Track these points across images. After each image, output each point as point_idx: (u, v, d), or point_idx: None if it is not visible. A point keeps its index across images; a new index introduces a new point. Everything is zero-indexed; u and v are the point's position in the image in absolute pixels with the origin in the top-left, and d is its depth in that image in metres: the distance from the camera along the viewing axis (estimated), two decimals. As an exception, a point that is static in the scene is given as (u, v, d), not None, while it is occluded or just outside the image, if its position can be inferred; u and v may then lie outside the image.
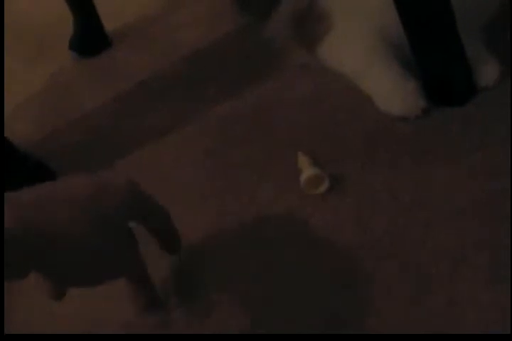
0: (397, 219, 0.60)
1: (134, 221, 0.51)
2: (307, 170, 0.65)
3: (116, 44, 0.98)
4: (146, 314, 0.57)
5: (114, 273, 0.50)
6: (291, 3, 0.85)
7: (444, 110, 0.70)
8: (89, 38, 0.98)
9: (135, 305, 0.56)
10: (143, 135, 0.79)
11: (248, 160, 0.71)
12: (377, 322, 0.52)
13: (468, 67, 0.70)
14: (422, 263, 0.55)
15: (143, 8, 1.04)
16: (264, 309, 0.56)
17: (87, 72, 0.94)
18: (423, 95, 0.70)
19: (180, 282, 0.60)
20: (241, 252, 0.61)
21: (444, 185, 0.62)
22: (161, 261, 0.60)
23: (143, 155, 0.76)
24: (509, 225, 0.56)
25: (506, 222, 0.56)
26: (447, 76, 0.70)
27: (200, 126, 0.78)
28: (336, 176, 0.65)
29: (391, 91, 0.71)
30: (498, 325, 0.49)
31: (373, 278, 0.56)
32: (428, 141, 0.67)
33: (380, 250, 0.58)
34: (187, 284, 0.60)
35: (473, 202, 0.59)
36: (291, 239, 0.61)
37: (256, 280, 0.59)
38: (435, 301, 0.52)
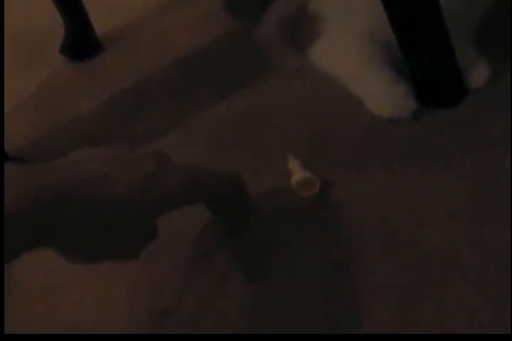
0: (388, 223, 0.60)
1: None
2: (298, 173, 0.65)
3: (108, 48, 0.98)
4: None
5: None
6: (281, 6, 0.85)
7: (434, 112, 0.70)
8: (81, 42, 0.98)
9: None
10: (134, 139, 0.79)
11: (239, 163, 0.71)
12: (369, 322, 0.52)
13: (458, 69, 0.70)
14: (413, 266, 0.55)
15: (134, 13, 1.04)
16: (262, 309, 0.56)
17: (79, 77, 0.94)
18: (414, 97, 0.70)
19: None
20: (233, 253, 0.61)
21: (435, 187, 0.62)
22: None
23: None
24: (500, 227, 0.56)
25: (498, 224, 0.56)
26: (437, 78, 0.70)
27: (192, 129, 0.78)
28: (326, 179, 0.65)
29: (381, 93, 0.71)
30: (488, 327, 0.49)
31: (365, 280, 0.56)
32: (419, 143, 0.67)
33: (371, 253, 0.58)
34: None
35: (464, 204, 0.59)
36: (282, 241, 0.61)
37: (250, 281, 0.59)
38: (426, 304, 0.52)
